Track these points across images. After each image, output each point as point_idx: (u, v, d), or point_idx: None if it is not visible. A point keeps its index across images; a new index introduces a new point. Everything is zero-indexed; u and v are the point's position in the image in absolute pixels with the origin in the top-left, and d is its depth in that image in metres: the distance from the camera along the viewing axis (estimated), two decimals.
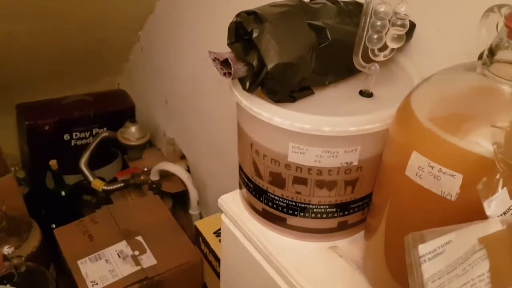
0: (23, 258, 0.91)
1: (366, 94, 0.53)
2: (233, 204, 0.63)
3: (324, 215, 0.55)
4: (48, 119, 1.41)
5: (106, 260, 1.05)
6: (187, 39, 1.14)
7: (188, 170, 1.31)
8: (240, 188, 0.63)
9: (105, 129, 1.50)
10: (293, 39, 0.51)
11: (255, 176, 0.57)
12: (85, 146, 1.45)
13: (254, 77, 0.51)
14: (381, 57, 0.52)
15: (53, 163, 1.36)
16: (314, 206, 0.54)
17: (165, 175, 1.31)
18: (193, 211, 1.25)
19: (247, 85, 0.51)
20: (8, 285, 0.73)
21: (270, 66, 0.49)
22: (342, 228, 0.57)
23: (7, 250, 1.00)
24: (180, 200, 1.37)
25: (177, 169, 1.22)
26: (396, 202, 0.45)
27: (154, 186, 1.29)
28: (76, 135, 1.48)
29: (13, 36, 1.14)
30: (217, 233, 1.03)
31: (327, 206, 0.54)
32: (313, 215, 0.55)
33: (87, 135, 1.50)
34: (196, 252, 1.07)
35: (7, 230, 1.02)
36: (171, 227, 1.15)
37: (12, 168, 1.32)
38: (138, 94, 1.54)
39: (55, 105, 1.47)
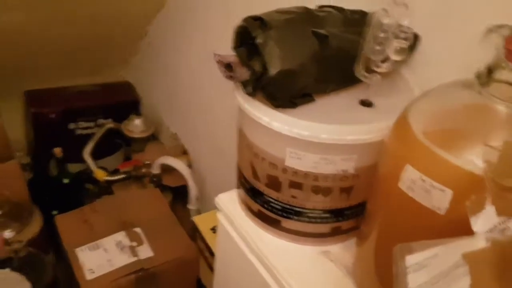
0: (24, 243, 0.93)
1: (366, 103, 0.54)
2: (230, 203, 0.65)
3: (318, 220, 0.56)
4: (55, 107, 1.43)
5: (104, 250, 1.06)
6: (195, 36, 1.15)
7: (189, 166, 1.32)
8: (238, 188, 0.64)
9: (110, 120, 1.51)
10: (296, 46, 0.52)
11: (252, 178, 0.58)
12: (89, 135, 1.47)
13: (256, 81, 0.52)
14: (383, 68, 0.53)
15: (57, 150, 1.38)
16: (308, 211, 0.55)
17: (166, 169, 1.33)
18: (192, 206, 1.26)
19: (249, 89, 0.52)
20: (7, 269, 0.75)
21: (272, 72, 0.50)
22: (335, 234, 0.58)
23: (8, 234, 1.02)
24: (179, 194, 1.38)
25: (178, 164, 1.24)
26: (388, 212, 0.46)
27: (155, 179, 1.31)
28: (81, 124, 1.49)
29: (25, 25, 1.16)
30: (214, 230, 1.04)
31: (322, 212, 0.55)
32: (307, 219, 0.56)
33: (92, 125, 1.52)
34: (192, 247, 1.09)
35: (9, 214, 1.03)
36: (169, 221, 1.16)
37: (17, 153, 1.34)
38: (144, 87, 1.55)
39: (62, 94, 1.49)
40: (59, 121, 1.44)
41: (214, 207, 1.21)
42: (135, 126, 1.38)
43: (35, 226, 1.10)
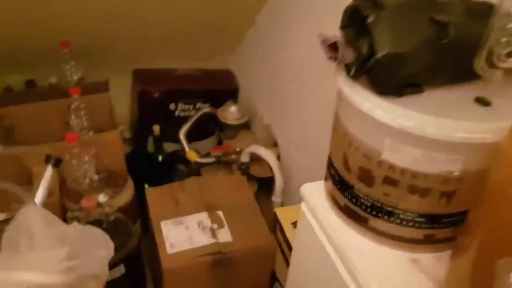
0: (114, 208, 0.98)
1: (482, 101, 0.48)
2: (315, 194, 0.62)
3: (411, 224, 0.51)
4: (159, 87, 1.49)
5: (186, 227, 1.08)
6: (302, 28, 1.13)
7: (278, 158, 1.31)
8: (326, 180, 0.61)
9: (208, 105, 1.55)
10: (410, 30, 0.47)
11: (343, 169, 0.54)
12: (187, 118, 1.51)
13: (361, 64, 0.48)
14: (507, 63, 0.46)
15: (156, 128, 1.44)
16: (401, 212, 0.50)
17: (255, 159, 1.33)
18: (276, 198, 1.25)
19: (353, 71, 0.49)
20: (98, 228, 0.78)
21: (380, 54, 0.46)
22: (428, 242, 0.52)
23: (102, 198, 1.08)
24: (265, 185, 1.37)
25: (267, 155, 1.23)
26: (495, 222, 0.40)
27: (243, 167, 1.31)
28: (180, 106, 1.54)
29: (141, 9, 1.22)
30: (296, 224, 1.01)
31: (416, 215, 0.50)
32: (398, 221, 0.51)
33: (191, 108, 1.56)
34: (271, 239, 1.07)
35: (105, 180, 1.10)
36: (252, 210, 1.15)
37: (120, 127, 1.42)
38: (244, 76, 1.57)
39: (167, 75, 1.55)
40: (161, 100, 1.51)
41: (298, 202, 1.19)
42: (230, 113, 1.40)
43: (127, 195, 1.16)
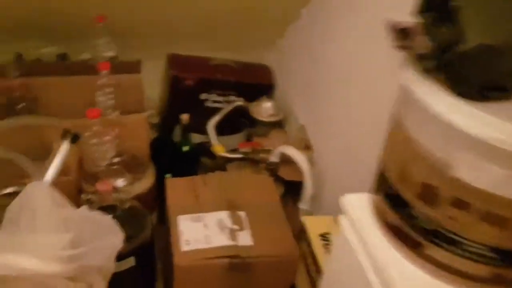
0: (131, 196, 0.91)
1: None
2: (359, 208, 0.53)
3: (478, 258, 0.42)
4: (193, 74, 1.43)
5: (205, 225, 1.01)
6: (347, 24, 1.03)
7: (310, 162, 1.22)
8: (374, 192, 0.52)
9: (241, 98, 1.47)
10: (507, 19, 0.38)
11: (399, 183, 0.45)
12: (217, 109, 1.45)
13: (440, 56, 0.39)
14: None
15: (184, 117, 1.38)
16: (468, 242, 0.41)
17: (285, 160, 1.24)
18: (304, 205, 1.16)
19: (428, 63, 0.40)
20: (110, 216, 0.72)
21: (468, 44, 0.37)
22: (498, 283, 0.43)
23: (120, 183, 1.02)
24: (292, 189, 1.29)
25: (299, 157, 1.14)
26: None
27: (271, 167, 1.23)
28: (212, 97, 1.48)
29: None
30: (324, 237, 0.93)
31: (486, 248, 0.41)
32: (462, 252, 0.42)
33: (222, 99, 1.49)
34: (295, 248, 0.99)
35: (126, 164, 1.03)
36: (276, 214, 1.07)
37: (149, 111, 1.36)
38: (282, 72, 1.49)
39: (202, 63, 1.49)
40: (194, 88, 1.44)
41: (328, 212, 1.10)
42: (264, 109, 1.32)
43: (146, 182, 1.09)
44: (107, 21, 1.18)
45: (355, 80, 1.01)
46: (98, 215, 0.65)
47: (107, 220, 0.65)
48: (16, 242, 0.54)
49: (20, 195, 0.59)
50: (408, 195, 0.44)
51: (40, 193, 0.58)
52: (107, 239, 0.62)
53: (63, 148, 0.76)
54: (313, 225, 0.96)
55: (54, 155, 0.77)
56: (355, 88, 1.01)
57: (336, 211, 1.05)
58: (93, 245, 0.59)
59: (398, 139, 0.46)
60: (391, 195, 0.47)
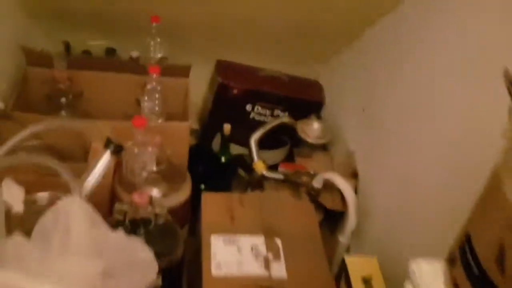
0: (166, 210, 0.86)
1: None
2: (432, 280, 0.45)
3: None
4: (240, 83, 1.38)
5: (238, 249, 0.95)
6: (424, 48, 0.95)
7: (355, 191, 1.14)
8: (449, 263, 0.45)
9: (286, 113, 1.41)
10: None
11: (492, 265, 0.38)
12: (261, 123, 1.39)
13: None
14: None
15: (227, 127, 1.33)
16: None
17: (327, 186, 1.17)
18: (343, 238, 1.09)
19: None
20: (119, 228, 0.65)
21: None
22: None
23: (156, 193, 0.97)
24: (331, 218, 1.22)
25: (345, 187, 1.07)
26: None
27: (313, 192, 1.16)
28: (257, 109, 1.42)
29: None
30: (367, 281, 0.85)
31: None
32: None
33: (268, 113, 1.44)
34: None
35: (163, 174, 0.99)
36: (314, 246, 1.00)
37: (191, 119, 1.32)
38: (333, 91, 1.41)
39: (251, 73, 1.44)
40: (239, 98, 1.39)
41: (370, 251, 1.02)
42: (312, 130, 1.25)
43: (183, 195, 1.04)
44: (161, 22, 1.14)
45: (426, 114, 0.91)
46: (135, 243, 0.60)
47: (144, 250, 0.60)
48: (47, 264, 0.49)
49: (54, 209, 0.55)
50: (502, 283, 0.37)
51: (76, 210, 0.54)
52: (141, 272, 0.57)
53: (104, 159, 0.72)
54: (356, 266, 0.89)
55: (95, 160, 0.72)
56: (424, 123, 0.91)
57: (379, 251, 0.98)
58: (126, 278, 0.53)
59: (495, 208, 0.39)
60: (478, 277, 0.39)
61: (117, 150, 0.73)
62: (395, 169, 1.01)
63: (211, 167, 1.44)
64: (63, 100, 1.08)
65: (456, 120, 0.79)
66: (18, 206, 0.60)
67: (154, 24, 1.11)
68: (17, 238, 0.56)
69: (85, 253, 0.50)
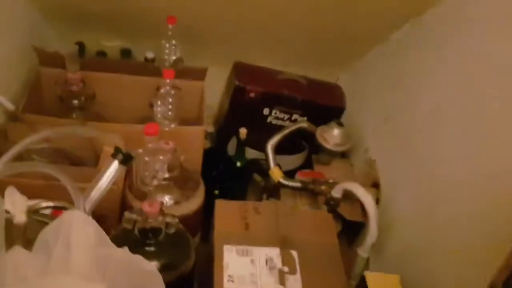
0: (177, 220, 0.82)
1: None
2: None
3: None
4: (258, 87, 1.34)
5: (252, 261, 0.91)
6: (453, 55, 0.89)
7: (376, 202, 1.09)
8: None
9: (305, 118, 1.37)
10: None
11: None
12: (278, 127, 1.35)
13: None
14: None
15: (243, 131, 1.29)
16: None
17: (347, 196, 1.12)
18: (363, 252, 1.03)
19: None
20: (125, 247, 0.61)
21: None
22: None
23: (168, 201, 0.93)
24: (350, 229, 1.17)
25: (367, 198, 1.02)
26: None
27: (332, 203, 1.11)
28: (275, 113, 1.38)
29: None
30: None
31: None
32: None
33: (286, 117, 1.40)
34: None
35: (176, 181, 0.95)
36: (332, 260, 0.95)
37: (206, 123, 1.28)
38: (355, 96, 1.36)
39: (269, 76, 1.39)
40: (257, 102, 1.35)
41: (390, 268, 0.97)
42: (332, 136, 1.20)
43: (196, 202, 1.00)
44: (177, 23, 1.11)
45: (459, 126, 0.85)
46: (140, 261, 0.56)
47: (151, 269, 0.56)
48: (45, 281, 0.46)
49: (57, 221, 0.51)
50: None
51: (79, 226, 0.50)
52: None
53: (112, 169, 0.68)
54: (376, 283, 0.84)
55: (99, 175, 0.68)
56: (456, 135, 0.85)
57: (402, 269, 0.92)
58: None
59: None
60: None
61: (126, 160, 0.69)
62: (421, 182, 0.95)
63: (226, 171, 1.40)
64: (75, 102, 1.05)
65: (492, 132, 0.73)
66: (20, 217, 0.57)
67: (170, 26, 1.07)
68: (18, 250, 0.53)
69: (85, 274, 0.47)
